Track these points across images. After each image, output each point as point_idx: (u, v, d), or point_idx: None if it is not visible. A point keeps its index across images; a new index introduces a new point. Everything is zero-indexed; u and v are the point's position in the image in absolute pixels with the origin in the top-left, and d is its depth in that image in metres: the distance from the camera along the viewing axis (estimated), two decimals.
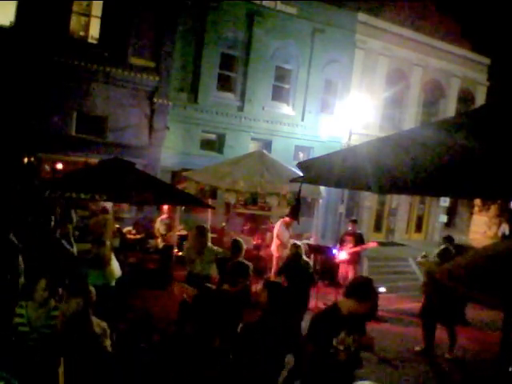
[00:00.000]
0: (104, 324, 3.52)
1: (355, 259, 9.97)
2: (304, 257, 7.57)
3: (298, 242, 7.90)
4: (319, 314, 3.85)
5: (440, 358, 7.32)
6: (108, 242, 6.90)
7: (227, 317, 3.94)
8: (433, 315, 7.29)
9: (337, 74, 17.67)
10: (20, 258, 5.47)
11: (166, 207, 10.14)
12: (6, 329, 3.67)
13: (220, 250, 6.95)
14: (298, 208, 7.63)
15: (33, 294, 3.70)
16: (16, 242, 5.61)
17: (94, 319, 3.38)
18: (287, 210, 10.58)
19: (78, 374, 3.08)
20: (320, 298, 9.74)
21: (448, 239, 8.57)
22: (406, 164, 2.32)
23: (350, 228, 10.66)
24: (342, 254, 9.93)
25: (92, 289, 3.37)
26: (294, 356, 3.88)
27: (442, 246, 8.06)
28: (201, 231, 6.80)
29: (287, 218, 10.48)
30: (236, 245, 6.44)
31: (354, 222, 10.68)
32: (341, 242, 10.19)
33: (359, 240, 9.96)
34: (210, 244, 6.85)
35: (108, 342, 3.45)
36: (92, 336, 3.23)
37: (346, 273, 9.98)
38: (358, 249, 9.88)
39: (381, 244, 17.45)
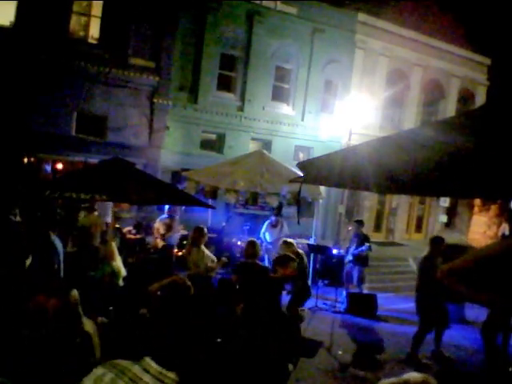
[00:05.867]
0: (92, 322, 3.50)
1: (361, 261, 10.02)
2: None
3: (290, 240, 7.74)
4: None
5: (442, 358, 7.31)
6: (112, 241, 6.89)
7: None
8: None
9: (337, 74, 17.67)
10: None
11: (166, 207, 10.16)
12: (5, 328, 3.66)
13: (212, 263, 6.95)
14: (298, 208, 7.61)
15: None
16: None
17: (86, 319, 3.36)
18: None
19: (72, 374, 3.08)
20: (320, 298, 9.76)
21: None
22: (406, 164, 2.32)
23: (350, 228, 10.75)
24: (348, 255, 10.10)
25: (74, 291, 3.34)
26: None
27: None
28: (198, 232, 6.90)
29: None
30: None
31: (357, 222, 10.69)
32: (350, 243, 10.35)
33: (361, 241, 10.02)
34: (202, 247, 6.88)
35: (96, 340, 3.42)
36: (83, 335, 3.21)
37: (351, 273, 10.10)
38: (355, 252, 9.98)
39: (381, 244, 17.49)
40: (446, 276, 2.61)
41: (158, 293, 4.20)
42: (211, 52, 15.18)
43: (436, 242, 7.20)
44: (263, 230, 10.78)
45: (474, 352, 7.40)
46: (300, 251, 7.64)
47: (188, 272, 6.83)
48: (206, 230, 7.18)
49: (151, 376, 1.98)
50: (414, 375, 1.94)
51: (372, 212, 19.55)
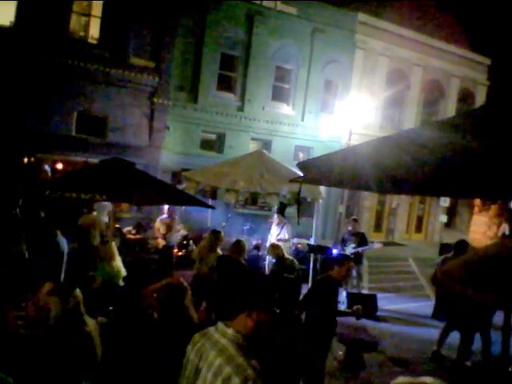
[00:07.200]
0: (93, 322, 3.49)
1: (358, 259, 9.99)
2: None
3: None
4: None
5: (440, 358, 7.31)
6: (112, 241, 6.88)
7: None
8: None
9: (337, 74, 17.68)
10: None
11: (166, 207, 10.16)
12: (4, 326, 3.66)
13: None
14: (298, 208, 7.58)
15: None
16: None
17: (89, 318, 3.36)
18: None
19: (73, 373, 3.07)
20: None
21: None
22: (406, 164, 2.31)
23: (350, 228, 10.65)
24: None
25: (77, 290, 3.33)
26: None
27: None
28: (214, 236, 6.94)
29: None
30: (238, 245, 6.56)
31: (355, 221, 10.69)
32: (343, 242, 10.22)
33: (362, 239, 9.96)
34: (218, 250, 6.94)
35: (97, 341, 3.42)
36: (86, 336, 3.21)
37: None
38: (359, 250, 9.90)
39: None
40: (445, 276, 2.61)
41: (155, 295, 4.23)
42: (211, 52, 15.18)
43: (461, 245, 7.37)
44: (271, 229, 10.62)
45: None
46: (289, 257, 7.66)
47: (200, 272, 6.90)
48: (222, 233, 7.23)
49: (219, 334, 2.33)
50: (430, 379, 1.93)
51: (372, 212, 19.56)
